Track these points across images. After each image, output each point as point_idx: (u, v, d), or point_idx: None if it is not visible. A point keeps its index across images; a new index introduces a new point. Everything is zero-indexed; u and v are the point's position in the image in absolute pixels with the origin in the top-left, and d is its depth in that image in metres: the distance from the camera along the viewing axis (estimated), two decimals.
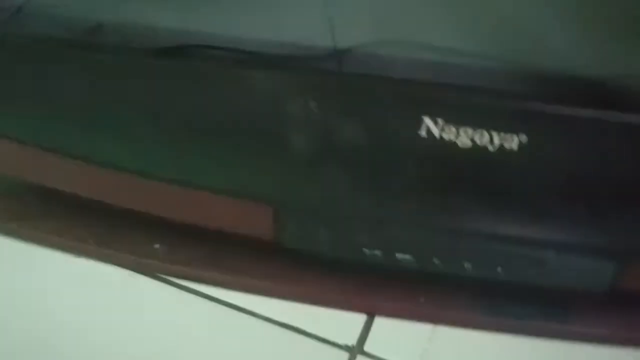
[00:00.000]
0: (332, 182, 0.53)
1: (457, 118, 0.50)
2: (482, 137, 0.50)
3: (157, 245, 0.62)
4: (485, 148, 0.50)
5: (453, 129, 0.50)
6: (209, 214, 0.59)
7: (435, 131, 0.50)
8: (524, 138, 0.49)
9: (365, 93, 0.50)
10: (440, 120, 0.50)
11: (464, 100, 0.50)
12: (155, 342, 0.56)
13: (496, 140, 0.50)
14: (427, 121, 0.50)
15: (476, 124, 0.49)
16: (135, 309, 0.59)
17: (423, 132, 0.50)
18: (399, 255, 0.57)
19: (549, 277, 0.56)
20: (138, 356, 0.56)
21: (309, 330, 0.57)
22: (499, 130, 0.49)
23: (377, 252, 0.57)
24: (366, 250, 0.57)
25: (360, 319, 0.58)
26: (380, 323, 0.58)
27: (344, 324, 0.58)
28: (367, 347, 0.56)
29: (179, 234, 0.61)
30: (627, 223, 0.52)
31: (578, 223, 0.52)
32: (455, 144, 0.50)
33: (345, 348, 0.56)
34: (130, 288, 0.60)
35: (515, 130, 0.49)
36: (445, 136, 0.50)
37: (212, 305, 0.59)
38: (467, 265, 0.56)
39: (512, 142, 0.49)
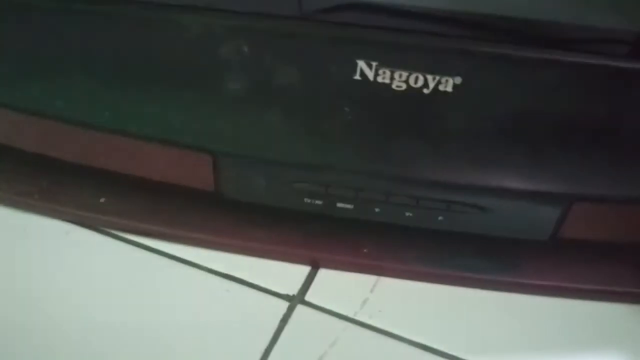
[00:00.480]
0: (269, 128, 0.53)
1: (391, 61, 0.49)
2: (417, 80, 0.50)
3: (102, 199, 0.62)
4: (420, 90, 0.50)
5: (387, 72, 0.50)
6: (151, 165, 0.59)
7: (370, 74, 0.50)
8: (458, 80, 0.49)
9: (297, 37, 0.50)
10: (374, 64, 0.50)
11: (397, 42, 0.49)
12: (99, 295, 0.56)
13: (431, 83, 0.49)
14: (362, 64, 0.50)
15: (410, 67, 0.49)
16: (79, 262, 0.58)
17: (357, 76, 0.50)
18: (339, 205, 0.57)
19: (490, 226, 0.56)
20: (81, 308, 0.55)
21: (251, 281, 0.57)
22: (433, 72, 0.49)
23: (318, 202, 0.57)
24: (307, 200, 0.57)
25: (303, 270, 0.58)
26: (325, 274, 0.58)
27: (288, 275, 0.58)
28: (308, 297, 0.56)
29: (123, 187, 0.61)
30: (566, 166, 0.52)
31: (517, 167, 0.52)
32: (390, 86, 0.50)
33: (286, 297, 0.56)
34: (74, 241, 0.60)
35: (449, 72, 0.49)
36: (380, 79, 0.50)
37: (156, 258, 0.59)
38: (408, 214, 0.56)
39: (447, 84, 0.49)
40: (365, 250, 0.58)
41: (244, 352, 0.52)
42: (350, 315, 0.55)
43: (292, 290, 0.57)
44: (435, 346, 0.53)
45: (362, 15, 0.50)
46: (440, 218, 0.56)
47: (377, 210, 0.56)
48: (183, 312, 0.55)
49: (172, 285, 0.57)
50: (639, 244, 0.57)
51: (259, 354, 0.51)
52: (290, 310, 0.55)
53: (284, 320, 0.54)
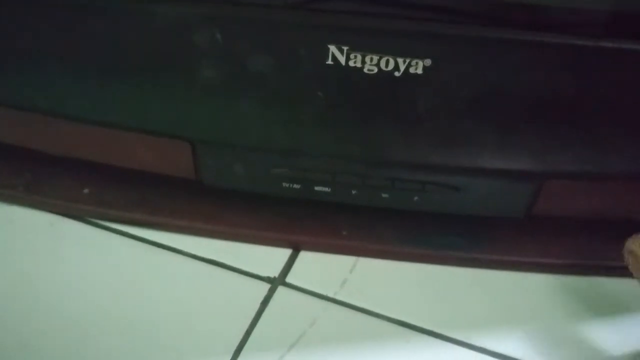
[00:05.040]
0: (244, 115, 0.54)
1: (362, 45, 0.50)
2: (388, 63, 0.51)
3: (86, 190, 0.63)
4: (391, 73, 0.51)
5: (359, 56, 0.51)
6: (132, 155, 0.60)
7: (342, 59, 0.51)
8: (428, 62, 0.50)
9: (269, 24, 0.51)
10: (345, 48, 0.51)
11: (367, 26, 0.50)
12: (84, 282, 0.57)
13: (401, 65, 0.51)
14: (333, 49, 0.51)
15: (380, 50, 0.51)
16: (64, 252, 0.59)
17: (329, 61, 0.51)
18: (317, 188, 0.58)
19: (465, 205, 0.57)
20: (67, 295, 0.56)
21: (233, 265, 0.58)
22: (403, 55, 0.50)
23: (296, 186, 0.58)
24: (285, 184, 0.58)
25: (285, 253, 0.60)
26: (305, 256, 0.59)
27: (269, 258, 0.59)
28: (289, 279, 0.57)
29: (105, 178, 0.62)
30: (537, 145, 0.53)
31: (488, 146, 0.53)
32: (362, 70, 0.51)
33: (267, 280, 0.57)
34: (58, 232, 0.61)
35: (419, 55, 0.50)
36: (352, 64, 0.51)
37: (140, 245, 0.60)
38: (384, 195, 0.57)
39: (417, 66, 0.51)
40: (344, 233, 0.60)
41: (226, 333, 0.53)
42: (330, 295, 0.56)
43: (274, 272, 0.58)
44: (412, 322, 0.55)
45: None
46: (415, 198, 0.57)
47: (354, 192, 0.57)
48: (166, 296, 0.56)
49: (156, 272, 0.58)
50: (611, 219, 0.59)
51: (241, 335, 0.53)
52: (271, 292, 0.56)
53: (265, 302, 0.55)
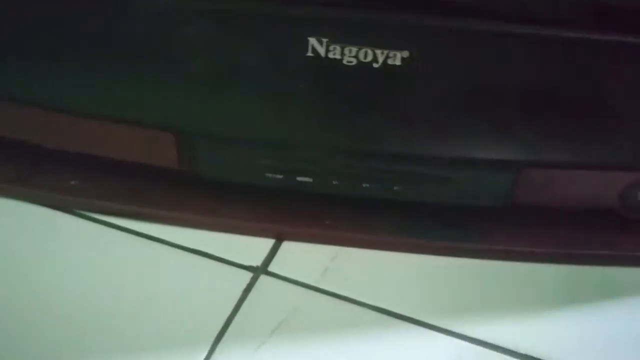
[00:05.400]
0: (226, 106, 0.55)
1: (341, 37, 0.51)
2: (367, 55, 0.52)
3: (73, 182, 0.64)
4: (370, 65, 0.52)
5: (338, 48, 0.52)
6: (117, 146, 0.61)
7: (321, 51, 0.52)
8: (406, 53, 0.51)
9: (250, 16, 0.52)
10: (324, 40, 0.52)
11: (345, 18, 0.51)
12: (71, 272, 0.58)
13: (380, 57, 0.52)
14: (313, 41, 0.52)
15: (359, 42, 0.51)
16: (52, 243, 0.60)
17: (309, 53, 0.52)
18: (299, 178, 0.59)
19: (444, 194, 0.58)
20: (55, 285, 0.57)
21: (217, 254, 0.59)
22: (381, 47, 0.51)
23: (279, 176, 0.59)
24: (268, 175, 0.59)
25: (268, 242, 0.60)
26: (288, 246, 0.60)
27: (252, 248, 0.60)
28: (271, 268, 0.58)
29: (93, 169, 0.63)
30: (514, 134, 0.54)
31: (466, 136, 0.54)
32: (341, 62, 0.52)
33: (250, 269, 0.58)
34: (47, 224, 0.62)
35: (397, 46, 0.51)
36: (331, 55, 0.52)
37: (125, 235, 0.61)
38: (365, 185, 0.58)
39: (395, 58, 0.51)
40: (327, 222, 0.61)
41: (208, 320, 0.54)
42: (311, 283, 0.57)
43: (256, 262, 0.59)
44: (392, 309, 0.56)
45: None
46: (396, 188, 0.58)
47: (335, 182, 0.58)
48: (150, 285, 0.57)
49: (141, 261, 0.59)
50: (591, 207, 0.60)
51: (222, 322, 0.54)
52: (253, 281, 0.57)
53: (247, 290, 0.56)
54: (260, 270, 0.58)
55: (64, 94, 0.56)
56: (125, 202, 0.62)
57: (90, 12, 0.53)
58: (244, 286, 0.56)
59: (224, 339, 0.53)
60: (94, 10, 0.53)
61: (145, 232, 0.61)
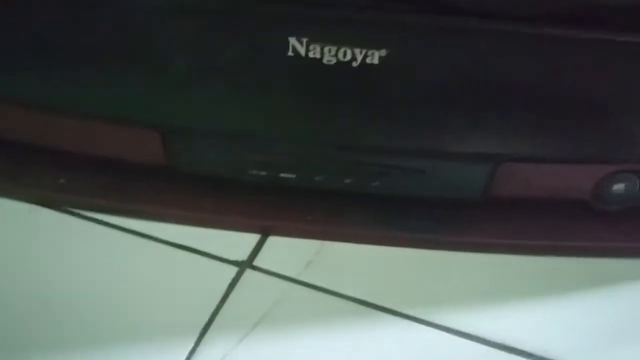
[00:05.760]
0: (211, 104, 0.57)
1: (320, 37, 0.53)
2: (345, 54, 0.53)
3: (62, 180, 0.65)
4: (349, 64, 0.53)
5: (317, 48, 0.53)
6: (104, 144, 0.62)
7: (302, 50, 0.53)
8: (383, 52, 0.53)
9: (232, 16, 0.53)
10: (304, 40, 0.53)
11: (323, 18, 0.53)
12: (61, 266, 0.59)
13: (358, 56, 0.53)
14: (293, 41, 0.53)
15: (338, 42, 0.53)
16: (42, 239, 0.61)
17: (290, 52, 0.54)
18: (283, 174, 0.60)
19: (424, 188, 0.60)
20: (43, 279, 0.58)
21: (204, 249, 0.61)
22: (359, 46, 0.53)
23: (263, 172, 0.60)
24: (252, 171, 0.60)
25: (254, 237, 0.62)
26: (273, 241, 0.62)
27: (238, 242, 0.61)
28: (256, 262, 0.60)
29: (80, 167, 0.64)
30: (491, 129, 0.56)
31: (444, 131, 0.56)
32: (321, 61, 0.54)
33: (235, 263, 0.60)
34: (36, 220, 0.63)
35: (374, 46, 0.53)
36: (311, 55, 0.54)
37: (114, 232, 0.62)
38: (347, 180, 0.60)
39: (373, 56, 0.53)
40: (309, 217, 0.62)
41: (194, 312, 0.56)
42: (294, 276, 0.59)
43: (242, 256, 0.60)
44: (373, 301, 0.57)
45: None
46: (376, 183, 0.60)
47: (317, 178, 0.60)
48: (139, 279, 0.59)
49: (129, 257, 0.60)
50: (567, 200, 0.62)
51: (209, 314, 0.55)
52: (239, 275, 0.59)
53: (233, 284, 0.58)
54: (246, 265, 0.60)
55: (50, 93, 0.58)
56: (112, 199, 0.64)
57: (74, 12, 0.55)
58: (229, 280, 0.58)
59: (210, 329, 0.55)
60: (79, 10, 0.55)
61: (133, 228, 0.62)
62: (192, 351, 0.54)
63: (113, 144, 0.61)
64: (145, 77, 0.55)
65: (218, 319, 0.55)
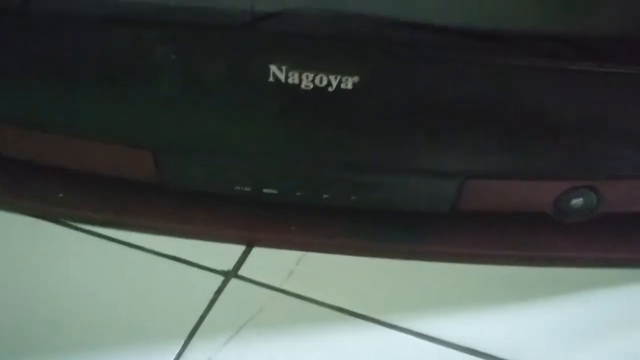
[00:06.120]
0: (200, 125, 0.61)
1: (298, 64, 0.57)
2: (322, 80, 0.58)
3: (61, 194, 0.69)
4: (325, 89, 0.58)
5: (296, 74, 0.58)
6: (99, 162, 0.66)
7: (281, 77, 0.58)
8: (356, 79, 0.57)
9: (218, 46, 0.58)
10: (284, 67, 0.58)
11: (301, 48, 0.57)
12: (55, 277, 0.63)
13: (334, 82, 0.57)
14: (274, 68, 0.58)
15: (315, 69, 0.57)
16: (41, 251, 0.66)
17: (271, 79, 0.58)
18: (265, 190, 0.65)
19: (397, 202, 0.64)
20: (42, 288, 0.62)
21: (192, 260, 0.65)
22: (335, 73, 0.57)
23: (247, 188, 0.65)
24: (237, 187, 0.65)
25: (240, 248, 0.66)
26: (258, 251, 0.66)
27: (225, 253, 0.66)
28: (241, 272, 0.64)
29: (78, 183, 0.68)
30: (458, 148, 0.60)
31: (415, 150, 0.61)
32: (299, 87, 0.58)
33: (221, 273, 0.64)
34: (36, 233, 0.67)
35: (348, 72, 0.57)
36: (290, 81, 0.58)
37: (106, 243, 0.66)
38: (325, 195, 0.64)
39: (347, 82, 0.57)
40: (293, 229, 0.67)
41: (181, 319, 0.60)
42: (277, 285, 0.63)
43: (228, 266, 0.65)
44: (351, 309, 0.61)
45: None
46: (353, 197, 0.64)
47: (298, 194, 0.64)
48: (128, 288, 0.63)
49: (120, 267, 0.65)
50: (530, 212, 0.65)
51: (195, 320, 0.60)
52: (224, 284, 0.63)
53: (219, 292, 0.62)
54: (232, 274, 0.64)
55: (44, 115, 0.62)
56: (106, 213, 0.68)
57: (64, 40, 0.59)
58: (215, 288, 0.62)
59: (196, 335, 0.59)
60: (69, 38, 0.59)
61: (125, 239, 0.67)
62: (179, 354, 0.58)
63: (107, 162, 0.66)
64: (134, 101, 0.60)
65: (204, 325, 0.59)
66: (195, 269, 0.64)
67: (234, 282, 0.63)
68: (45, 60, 0.59)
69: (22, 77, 0.60)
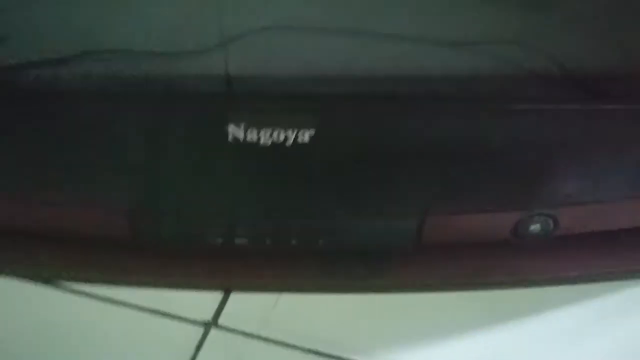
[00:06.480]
0: (167, 185, 0.63)
1: (255, 122, 0.59)
2: (279, 135, 0.60)
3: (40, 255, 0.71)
4: (283, 143, 0.60)
5: (255, 131, 0.60)
6: (73, 224, 0.68)
7: (240, 135, 0.60)
8: (312, 132, 0.59)
9: (175, 110, 0.60)
10: (242, 125, 0.60)
11: (257, 107, 0.60)
12: (31, 334, 0.65)
13: (290, 136, 0.60)
14: (232, 127, 0.60)
15: (272, 125, 0.60)
16: (25, 310, 0.68)
17: (230, 137, 0.60)
18: (237, 240, 0.67)
19: (362, 242, 0.66)
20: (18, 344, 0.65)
21: (168, 311, 0.67)
22: (290, 127, 0.59)
23: (219, 239, 0.67)
24: (210, 239, 0.67)
25: (218, 296, 0.68)
26: (236, 298, 0.68)
27: (203, 302, 0.68)
28: (220, 320, 0.66)
29: (55, 242, 0.70)
30: (414, 189, 0.63)
31: (373, 195, 0.63)
32: (258, 143, 0.60)
33: (201, 324, 0.66)
34: (19, 293, 0.69)
35: (303, 127, 0.59)
36: (249, 138, 0.60)
37: (87, 300, 0.68)
38: (294, 242, 0.66)
39: (304, 136, 0.60)
40: (267, 273, 0.69)
41: None
42: (254, 332, 0.65)
43: (207, 315, 0.67)
44: (326, 351, 0.64)
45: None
46: (320, 241, 0.66)
47: (267, 242, 0.66)
48: (107, 344, 0.65)
49: (97, 322, 0.66)
50: (491, 239, 0.68)
51: None
52: (204, 336, 0.65)
53: (199, 346, 0.64)
54: (211, 324, 0.66)
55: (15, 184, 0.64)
56: (81, 270, 0.70)
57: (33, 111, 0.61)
58: (196, 342, 0.64)
59: None
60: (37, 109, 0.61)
61: (101, 294, 0.68)
62: None
63: (82, 224, 0.68)
64: (103, 167, 0.62)
65: None
66: (172, 321, 0.66)
67: (214, 333, 0.65)
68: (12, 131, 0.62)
69: None
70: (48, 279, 0.70)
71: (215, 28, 0.62)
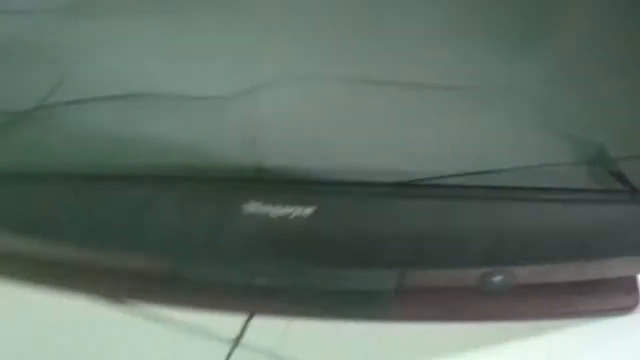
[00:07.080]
0: (197, 250, 0.79)
1: (268, 199, 0.74)
2: (284, 210, 0.74)
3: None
4: (286, 217, 0.75)
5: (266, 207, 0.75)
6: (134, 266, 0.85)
7: (254, 209, 0.75)
8: (314, 208, 0.74)
9: (200, 191, 0.76)
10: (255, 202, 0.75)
11: (271, 188, 0.75)
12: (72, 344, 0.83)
13: (294, 212, 0.74)
14: (247, 204, 0.75)
15: (280, 202, 0.74)
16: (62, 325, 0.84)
17: (245, 212, 0.75)
18: (257, 281, 0.82)
19: (355, 287, 0.82)
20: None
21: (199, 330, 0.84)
22: (295, 204, 0.74)
23: (242, 280, 0.82)
24: (235, 280, 0.83)
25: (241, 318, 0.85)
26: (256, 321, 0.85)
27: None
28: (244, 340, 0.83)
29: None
30: (391, 253, 0.77)
31: (367, 257, 0.77)
32: (268, 215, 0.75)
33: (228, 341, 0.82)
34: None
35: (305, 204, 0.74)
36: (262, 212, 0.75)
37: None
38: (299, 284, 0.82)
39: (304, 211, 0.74)
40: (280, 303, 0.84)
41: None
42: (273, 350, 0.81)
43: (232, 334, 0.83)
44: None
45: None
46: (322, 286, 0.81)
47: (280, 283, 0.82)
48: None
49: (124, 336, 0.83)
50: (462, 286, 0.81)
51: None
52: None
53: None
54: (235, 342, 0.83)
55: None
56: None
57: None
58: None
59: None
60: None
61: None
62: None
63: (138, 267, 0.84)
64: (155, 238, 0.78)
65: None
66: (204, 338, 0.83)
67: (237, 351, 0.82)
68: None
69: None
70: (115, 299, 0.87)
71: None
